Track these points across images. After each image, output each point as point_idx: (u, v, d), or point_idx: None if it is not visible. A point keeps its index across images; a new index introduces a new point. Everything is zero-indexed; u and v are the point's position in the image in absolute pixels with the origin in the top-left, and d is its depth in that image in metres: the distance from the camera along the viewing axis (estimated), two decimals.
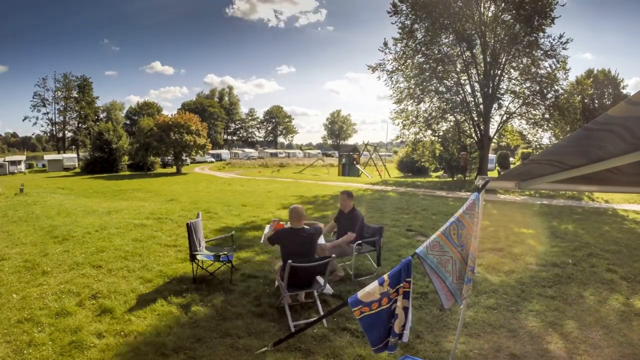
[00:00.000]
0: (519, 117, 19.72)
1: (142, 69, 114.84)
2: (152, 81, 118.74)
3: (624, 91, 40.65)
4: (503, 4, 17.97)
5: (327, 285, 4.22)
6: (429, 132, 21.06)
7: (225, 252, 4.98)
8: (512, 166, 33.31)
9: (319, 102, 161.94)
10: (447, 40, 19.62)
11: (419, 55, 19.54)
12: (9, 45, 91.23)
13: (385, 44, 19.83)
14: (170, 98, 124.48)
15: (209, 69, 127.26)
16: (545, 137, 20.00)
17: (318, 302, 4.16)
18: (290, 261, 3.74)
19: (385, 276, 2.26)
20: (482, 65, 19.10)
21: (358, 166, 31.46)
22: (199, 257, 4.88)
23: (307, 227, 4.28)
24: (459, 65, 19.65)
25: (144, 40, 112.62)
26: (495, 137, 20.73)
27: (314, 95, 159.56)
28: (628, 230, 8.76)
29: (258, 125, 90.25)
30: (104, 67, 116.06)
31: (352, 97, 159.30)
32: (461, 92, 19.75)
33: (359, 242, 5.10)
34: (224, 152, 60.18)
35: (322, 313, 4.05)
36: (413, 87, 19.96)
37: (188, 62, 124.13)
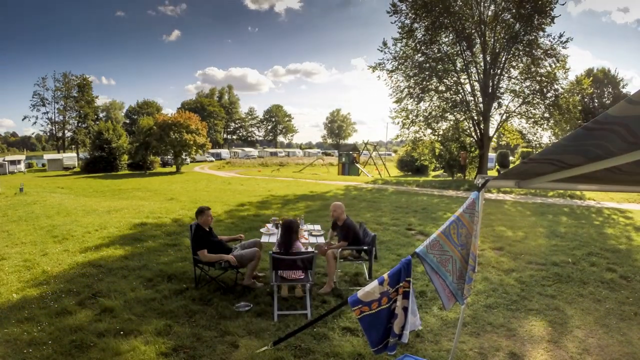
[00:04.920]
0: (519, 116, 19.74)
1: None
2: None
3: (624, 90, 40.67)
4: (503, 3, 17.96)
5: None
6: (429, 131, 21.07)
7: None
8: (511, 165, 33.30)
9: None
10: (447, 40, 19.62)
11: (419, 55, 19.54)
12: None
13: (385, 43, 19.85)
14: None
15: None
16: (545, 136, 20.03)
17: (308, 297, 4.18)
18: (270, 251, 3.96)
19: (385, 275, 2.27)
20: (482, 64, 19.10)
21: (358, 165, 31.48)
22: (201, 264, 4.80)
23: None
24: (458, 65, 19.64)
25: None
26: (495, 136, 20.72)
27: None
28: (627, 229, 8.77)
29: (258, 125, 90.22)
30: None
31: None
32: (461, 91, 19.74)
33: (347, 246, 4.88)
34: (224, 151, 60.06)
35: (309, 308, 4.10)
36: (413, 86, 19.96)
37: None
